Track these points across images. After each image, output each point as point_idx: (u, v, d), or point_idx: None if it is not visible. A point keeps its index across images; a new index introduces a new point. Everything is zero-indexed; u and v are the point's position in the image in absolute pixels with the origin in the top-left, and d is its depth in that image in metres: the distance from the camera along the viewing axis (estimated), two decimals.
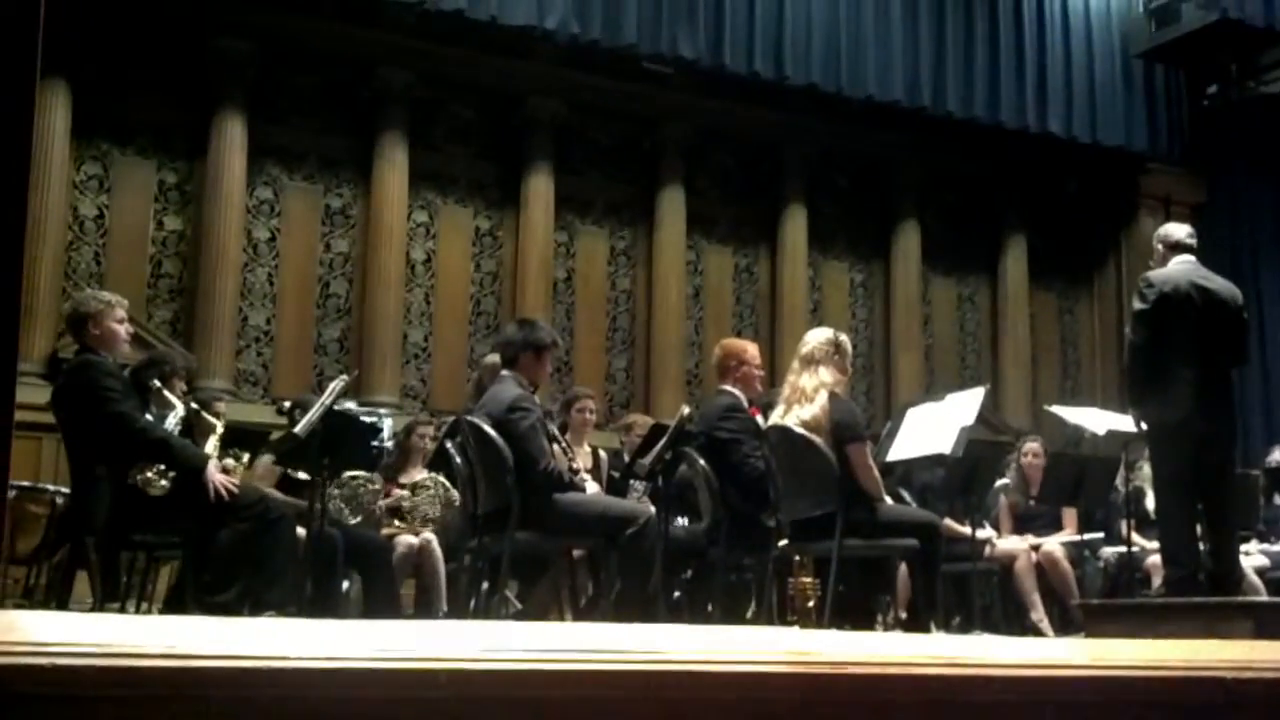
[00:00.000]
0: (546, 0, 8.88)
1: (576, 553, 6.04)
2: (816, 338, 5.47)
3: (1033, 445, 7.70)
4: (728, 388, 5.78)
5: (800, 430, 5.14)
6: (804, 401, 5.21)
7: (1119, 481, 7.44)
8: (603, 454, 6.96)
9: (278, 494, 5.89)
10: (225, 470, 5.12)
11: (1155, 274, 5.45)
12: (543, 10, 8.87)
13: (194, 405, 5.47)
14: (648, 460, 5.73)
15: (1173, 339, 5.28)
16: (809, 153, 11.01)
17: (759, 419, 5.66)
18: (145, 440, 4.95)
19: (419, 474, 6.61)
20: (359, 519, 6.19)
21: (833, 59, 9.82)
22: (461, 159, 10.06)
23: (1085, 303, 12.30)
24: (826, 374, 5.28)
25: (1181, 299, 5.29)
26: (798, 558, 5.30)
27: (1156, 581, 6.88)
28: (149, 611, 5.70)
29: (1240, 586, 5.56)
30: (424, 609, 6.30)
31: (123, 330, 5.16)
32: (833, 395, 5.22)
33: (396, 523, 6.43)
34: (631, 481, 6.47)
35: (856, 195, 11.50)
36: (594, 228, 10.49)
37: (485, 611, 5.33)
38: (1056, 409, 7.06)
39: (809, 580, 5.31)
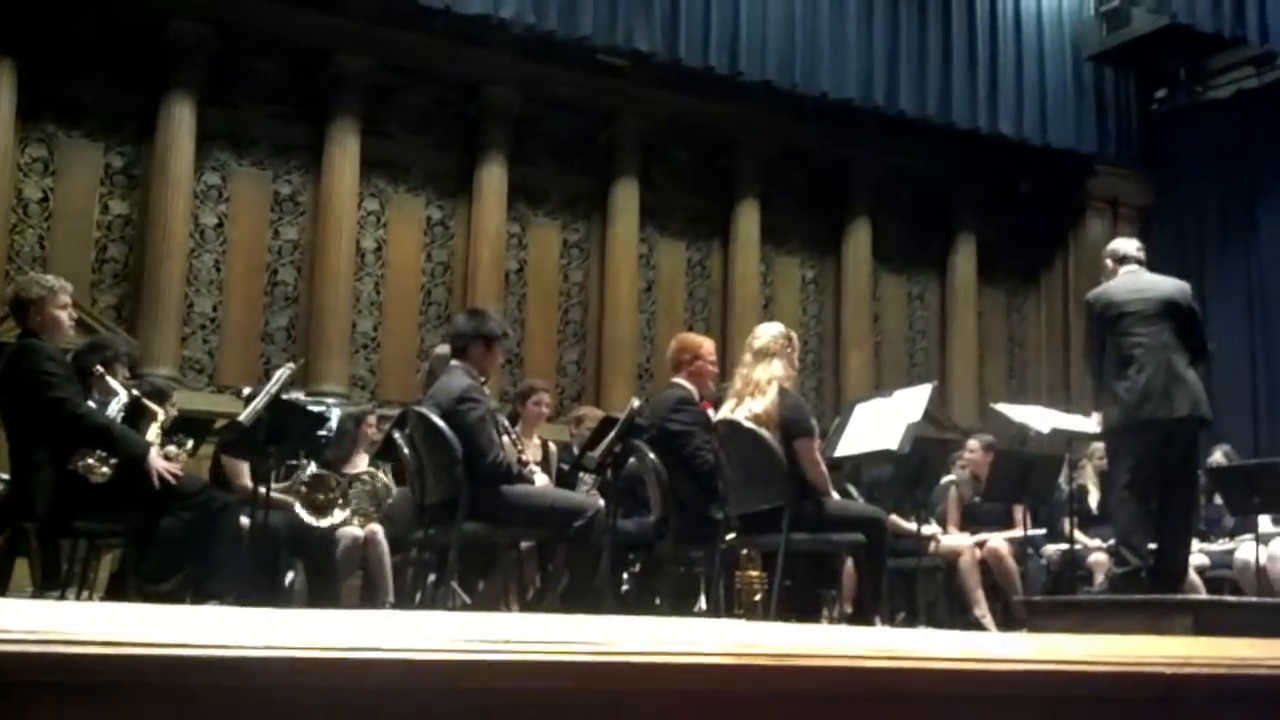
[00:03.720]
0: None
1: (524, 545, 6.03)
2: (769, 331, 5.49)
3: (979, 442, 7.78)
4: (680, 381, 5.79)
5: (749, 424, 5.15)
6: (756, 394, 5.23)
7: (1063, 479, 7.53)
8: (552, 446, 6.95)
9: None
10: (168, 457, 5.06)
11: (1092, 293, 5.74)
12: (499, 0, 8.83)
13: (136, 392, 5.40)
14: (597, 453, 5.74)
15: (1117, 346, 5.45)
16: (763, 149, 11.03)
17: (710, 413, 5.67)
18: (86, 426, 4.88)
19: (362, 464, 6.56)
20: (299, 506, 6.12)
21: (788, 56, 9.85)
22: (414, 148, 9.99)
23: (1032, 302, 12.43)
24: (779, 367, 5.30)
25: (1116, 310, 5.48)
26: (745, 551, 5.32)
27: (1099, 578, 6.98)
28: (90, 599, 5.63)
29: (1182, 584, 5.66)
30: (370, 600, 6.26)
31: (66, 316, 5.09)
32: (782, 390, 5.24)
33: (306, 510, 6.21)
34: (581, 474, 6.47)
35: (810, 192, 11.54)
36: (547, 219, 10.47)
37: (432, 603, 5.31)
38: (1002, 407, 7.13)
39: (756, 574, 5.33)
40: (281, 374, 5.49)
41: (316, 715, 1.34)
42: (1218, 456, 7.89)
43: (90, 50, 8.84)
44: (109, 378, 5.22)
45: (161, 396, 5.58)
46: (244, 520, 5.49)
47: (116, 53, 8.94)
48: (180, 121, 8.89)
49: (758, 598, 5.29)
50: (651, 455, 5.49)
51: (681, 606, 5.84)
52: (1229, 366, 10.84)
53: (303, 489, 6.09)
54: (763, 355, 5.34)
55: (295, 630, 1.38)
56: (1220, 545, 7.43)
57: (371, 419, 6.94)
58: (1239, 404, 10.76)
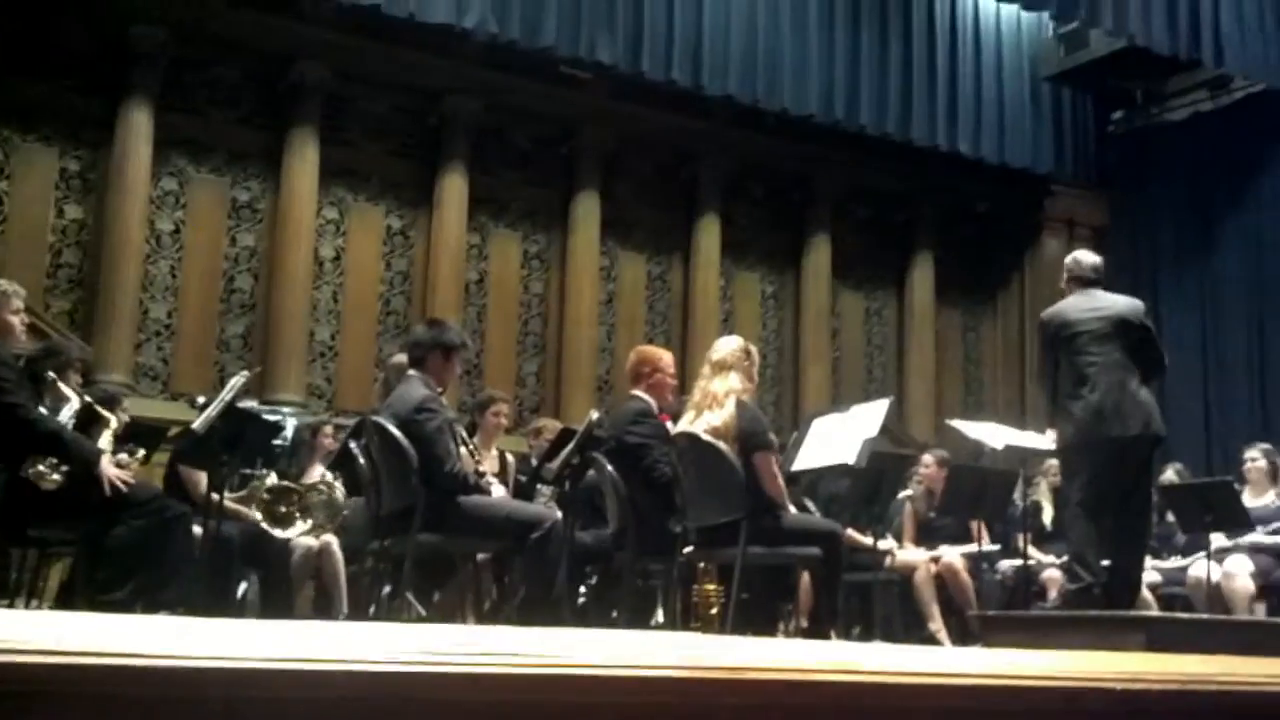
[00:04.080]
0: None
1: (481, 556, 6.00)
2: (728, 345, 5.50)
3: (934, 458, 7.83)
4: (639, 393, 5.78)
5: (708, 437, 5.15)
6: (714, 406, 5.23)
7: (1017, 496, 7.59)
8: (510, 458, 6.93)
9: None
10: (120, 465, 5.00)
11: (1045, 312, 5.80)
12: (461, 9, 8.79)
13: (88, 398, 5.33)
14: (555, 464, 5.73)
15: (1070, 364, 5.50)
16: (725, 163, 11.07)
17: (669, 425, 5.67)
18: (38, 432, 4.82)
19: (317, 475, 6.51)
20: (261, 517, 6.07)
21: (749, 70, 9.88)
22: (375, 156, 9.95)
23: (989, 320, 12.53)
24: (736, 380, 5.30)
25: (1069, 330, 5.53)
26: (702, 564, 5.32)
27: (1053, 594, 7.03)
28: (39, 608, 5.55)
29: (1135, 601, 5.71)
30: (324, 611, 6.21)
31: (18, 321, 5.03)
32: (740, 403, 5.24)
33: (267, 521, 6.16)
34: (539, 485, 6.46)
35: (770, 207, 11.59)
36: (508, 230, 10.45)
37: (387, 614, 5.27)
38: (958, 423, 7.18)
39: (713, 587, 5.33)
40: (236, 382, 5.44)
41: None
42: (1170, 475, 7.97)
43: (48, 53, 8.75)
44: (61, 384, 5.16)
45: (112, 403, 5.52)
46: (197, 530, 5.43)
47: (74, 56, 8.85)
48: (138, 126, 8.81)
49: (715, 611, 5.29)
50: (610, 467, 5.49)
51: (638, 619, 5.83)
52: (1182, 386, 10.98)
53: (265, 499, 6.04)
54: (720, 368, 5.35)
55: (246, 641, 1.36)
56: (1173, 562, 7.50)
57: (328, 429, 6.90)
58: (1192, 423, 10.88)
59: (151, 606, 4.87)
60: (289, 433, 6.22)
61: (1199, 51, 10.08)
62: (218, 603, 5.37)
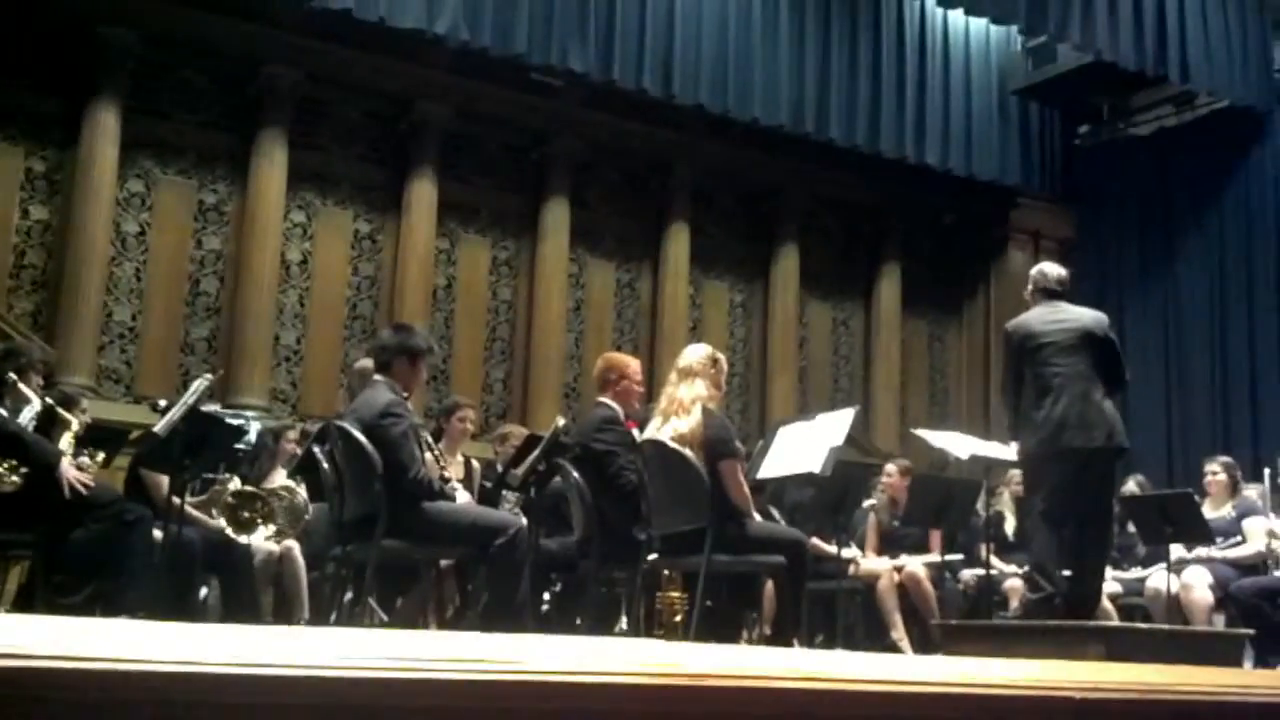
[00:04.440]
0: (437, 4, 8.77)
1: (444, 563, 5.98)
2: (695, 353, 5.51)
3: (897, 467, 7.86)
4: (606, 400, 5.78)
5: (674, 445, 5.16)
6: (681, 413, 5.24)
7: (980, 505, 7.64)
8: (475, 464, 6.91)
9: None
10: (81, 468, 4.95)
11: (1010, 323, 5.79)
12: (432, 14, 8.78)
13: (49, 400, 5.28)
14: (520, 471, 5.71)
15: (1035, 375, 5.51)
16: (694, 172, 11.10)
17: (635, 433, 5.67)
18: None
19: (280, 480, 6.46)
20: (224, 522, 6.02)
21: (720, 80, 9.91)
22: (344, 160, 9.91)
23: (954, 331, 12.61)
24: (703, 387, 5.31)
25: (1035, 341, 5.54)
26: (667, 572, 5.32)
27: (1014, 604, 7.07)
28: None
29: (1095, 611, 5.74)
30: (285, 617, 6.16)
31: None
32: (706, 411, 5.25)
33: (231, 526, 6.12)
34: (504, 492, 6.43)
35: (740, 216, 11.63)
36: (477, 236, 10.42)
37: (348, 621, 5.24)
38: (923, 432, 7.21)
39: (677, 594, 5.33)
40: (199, 385, 5.39)
41: None
42: (1131, 486, 8.03)
43: (14, 54, 8.67)
44: (22, 385, 5.11)
45: (70, 404, 5.46)
46: (157, 534, 5.38)
47: (41, 57, 8.77)
48: (104, 128, 8.74)
49: (679, 618, 5.29)
50: (575, 474, 5.48)
51: (602, 627, 5.82)
52: (1145, 398, 11.08)
53: (229, 503, 6.00)
54: (687, 375, 5.35)
55: (207, 645, 1.35)
56: (1133, 573, 7.57)
57: (292, 434, 6.85)
58: (1154, 434, 10.98)
59: (111, 610, 4.83)
60: (252, 437, 6.16)
61: (1165, 67, 10.21)
62: (178, 608, 5.32)
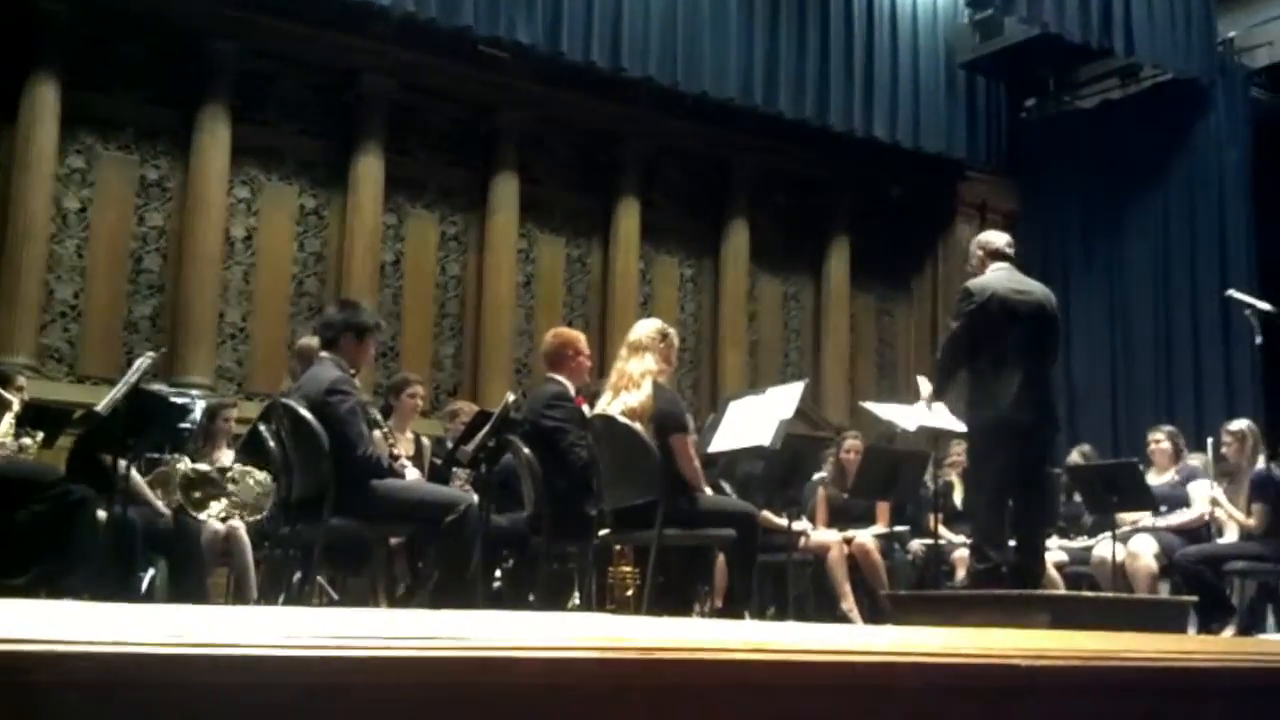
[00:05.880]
0: None
1: (394, 540, 5.95)
2: (645, 328, 5.50)
3: (852, 440, 7.90)
4: (556, 376, 5.77)
5: (624, 420, 5.15)
6: (631, 387, 5.24)
7: (928, 477, 7.70)
8: (425, 440, 6.88)
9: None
10: (21, 449, 4.87)
11: (973, 283, 5.62)
12: None
13: None
14: (471, 447, 5.69)
15: (993, 344, 5.44)
16: (644, 146, 11.06)
17: (585, 408, 5.66)
18: None
19: (226, 458, 6.39)
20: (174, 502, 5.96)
21: (669, 53, 9.88)
22: (288, 135, 9.78)
23: (903, 305, 12.68)
24: (653, 361, 5.31)
25: (999, 306, 5.46)
26: (618, 547, 5.33)
27: (961, 574, 7.15)
28: None
29: (1041, 580, 5.81)
30: (235, 598, 6.12)
31: None
32: (657, 385, 5.25)
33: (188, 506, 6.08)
34: (454, 469, 6.41)
35: (689, 191, 11.61)
36: (425, 211, 10.34)
37: (298, 600, 5.21)
38: (871, 405, 7.25)
39: (629, 569, 5.34)
40: (142, 363, 5.32)
41: (167, 713, 1.29)
42: (1075, 456, 8.14)
43: None
44: None
45: (6, 382, 5.37)
46: (102, 515, 5.31)
47: None
48: (43, 103, 8.56)
49: (631, 593, 5.31)
50: (526, 450, 5.47)
51: (554, 602, 5.83)
52: (1090, 368, 11.23)
53: (190, 479, 5.95)
54: (637, 349, 5.35)
55: (147, 625, 1.33)
56: (1079, 542, 7.67)
57: (231, 412, 6.77)
58: (1099, 404, 11.14)
59: (55, 592, 4.76)
60: (196, 415, 6.09)
61: (1110, 40, 10.29)
62: (123, 589, 5.26)
